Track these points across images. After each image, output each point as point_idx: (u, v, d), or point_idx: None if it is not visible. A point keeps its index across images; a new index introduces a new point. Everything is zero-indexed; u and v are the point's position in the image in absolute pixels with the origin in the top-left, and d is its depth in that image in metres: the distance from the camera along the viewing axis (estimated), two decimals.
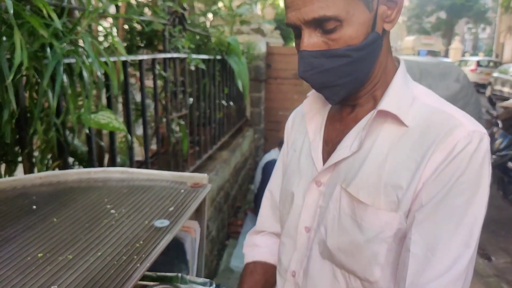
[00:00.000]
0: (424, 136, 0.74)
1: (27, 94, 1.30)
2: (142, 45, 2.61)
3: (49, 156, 1.58)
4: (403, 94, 0.80)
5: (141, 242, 0.78)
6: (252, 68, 5.41)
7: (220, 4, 4.90)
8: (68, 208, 0.92)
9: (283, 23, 6.33)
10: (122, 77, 1.87)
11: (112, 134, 1.86)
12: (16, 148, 1.35)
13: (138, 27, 2.54)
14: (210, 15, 4.48)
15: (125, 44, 2.16)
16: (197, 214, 1.13)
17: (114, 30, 2.30)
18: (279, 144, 4.18)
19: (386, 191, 0.75)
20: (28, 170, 1.35)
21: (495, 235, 4.22)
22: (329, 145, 0.88)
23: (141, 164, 2.42)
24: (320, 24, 0.73)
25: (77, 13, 1.55)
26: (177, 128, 2.72)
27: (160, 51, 2.57)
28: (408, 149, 0.75)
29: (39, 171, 1.40)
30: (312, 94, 0.95)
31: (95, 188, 1.04)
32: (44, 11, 1.13)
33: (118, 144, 2.63)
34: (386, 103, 0.78)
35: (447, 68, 5.34)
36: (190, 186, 1.08)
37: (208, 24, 4.01)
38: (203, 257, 1.15)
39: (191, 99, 3.07)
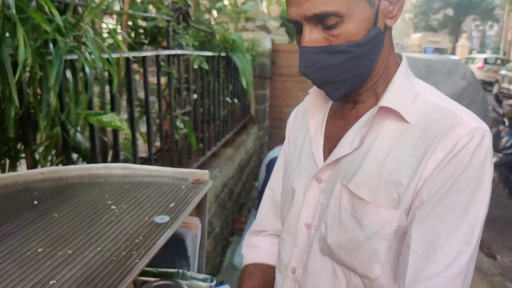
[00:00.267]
0: (426, 133, 0.74)
1: (30, 90, 1.31)
2: (146, 41, 2.61)
3: (53, 152, 1.59)
4: (405, 91, 0.79)
5: (141, 237, 0.79)
6: (257, 65, 5.40)
7: (225, 1, 4.89)
8: (69, 203, 0.92)
9: None
10: (123, 73, 1.88)
11: (115, 131, 1.87)
12: (20, 144, 1.35)
13: (143, 24, 2.55)
14: (214, 12, 4.47)
15: (129, 41, 2.16)
16: (199, 211, 1.13)
17: (118, 27, 2.30)
18: (284, 141, 4.17)
19: (387, 188, 0.75)
20: (31, 165, 1.35)
21: (500, 234, 4.20)
22: (330, 142, 0.87)
23: (145, 161, 2.43)
24: (321, 20, 0.73)
25: (81, 10, 1.56)
26: (181, 125, 2.72)
27: (164, 48, 2.57)
28: (409, 146, 0.75)
29: (42, 167, 1.41)
30: (314, 90, 0.95)
31: (96, 184, 1.04)
32: (46, 8, 1.14)
33: (122, 140, 2.65)
34: (387, 100, 0.78)
35: (454, 65, 5.30)
36: (191, 183, 1.08)
37: (212, 21, 4.00)
38: (204, 253, 1.15)
39: (195, 95, 3.07)
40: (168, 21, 2.44)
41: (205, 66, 2.97)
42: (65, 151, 1.54)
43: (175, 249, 1.07)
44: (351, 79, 0.78)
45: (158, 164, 2.47)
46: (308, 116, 0.94)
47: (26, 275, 0.66)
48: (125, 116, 2.50)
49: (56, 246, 0.75)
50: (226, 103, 4.01)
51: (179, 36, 2.56)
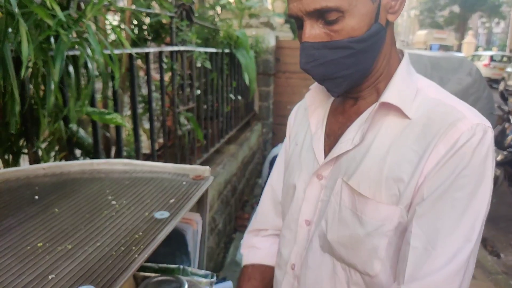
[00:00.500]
0: (427, 129, 0.73)
1: (32, 86, 1.31)
2: (150, 38, 2.61)
3: (56, 148, 1.59)
4: (407, 87, 0.79)
5: (140, 233, 0.79)
6: (261, 62, 5.39)
7: None
8: (70, 198, 0.93)
9: None
10: (123, 69, 1.87)
11: (118, 127, 1.87)
12: (22, 140, 1.36)
13: (146, 20, 2.54)
14: (219, 8, 4.46)
15: (132, 37, 2.16)
16: (200, 207, 1.13)
17: (122, 23, 2.30)
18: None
19: (388, 184, 0.74)
20: (34, 161, 1.36)
21: (504, 232, 4.18)
22: (331, 138, 0.87)
23: (148, 157, 2.43)
24: (322, 15, 0.72)
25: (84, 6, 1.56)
26: (185, 121, 2.72)
27: (167, 44, 2.57)
28: (410, 142, 0.74)
29: (45, 162, 1.41)
30: (315, 86, 0.94)
31: (97, 180, 1.05)
32: (48, 3, 1.14)
33: (125, 137, 2.65)
34: (388, 95, 0.77)
35: (459, 62, 5.26)
36: (192, 179, 1.08)
37: (216, 17, 3.99)
38: (205, 249, 1.15)
39: (198, 91, 3.07)
40: (171, 17, 2.43)
41: (208, 65, 2.96)
42: (68, 147, 1.55)
43: (175, 245, 1.07)
44: (352, 75, 0.77)
45: (161, 161, 2.48)
46: (309, 112, 0.93)
47: (25, 270, 0.66)
48: (128, 112, 2.50)
49: (56, 241, 0.75)
50: (229, 99, 4.01)
51: (182, 33, 2.56)
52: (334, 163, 0.83)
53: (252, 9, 4.83)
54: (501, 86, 14.96)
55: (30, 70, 1.28)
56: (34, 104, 1.33)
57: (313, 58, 0.75)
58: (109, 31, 2.09)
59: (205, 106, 3.35)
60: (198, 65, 2.97)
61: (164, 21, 2.53)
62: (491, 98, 5.22)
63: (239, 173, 4.11)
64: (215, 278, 1.02)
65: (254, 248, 1.05)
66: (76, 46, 1.32)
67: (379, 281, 0.77)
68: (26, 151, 1.37)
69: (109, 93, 1.88)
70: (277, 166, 1.06)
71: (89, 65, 1.31)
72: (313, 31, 0.74)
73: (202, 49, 2.98)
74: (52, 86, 1.15)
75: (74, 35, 1.37)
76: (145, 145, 2.87)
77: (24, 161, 1.44)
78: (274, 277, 0.98)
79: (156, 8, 2.57)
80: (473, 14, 31.75)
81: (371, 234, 0.75)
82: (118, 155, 1.91)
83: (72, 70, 1.36)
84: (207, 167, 1.10)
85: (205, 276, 1.01)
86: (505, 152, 4.20)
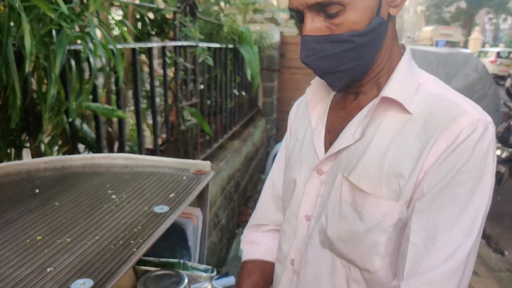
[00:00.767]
0: (428, 124, 0.73)
1: (34, 80, 1.31)
2: (153, 33, 2.61)
3: (59, 142, 1.60)
4: (408, 81, 0.78)
5: (139, 227, 0.79)
6: (265, 57, 5.38)
7: None
8: (70, 192, 0.93)
9: None
10: (124, 65, 1.87)
11: (121, 122, 1.88)
12: (24, 134, 1.36)
13: (150, 15, 2.54)
14: (222, 3, 4.44)
15: (134, 32, 2.16)
16: (200, 201, 1.13)
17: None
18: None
19: (388, 179, 0.74)
20: (36, 155, 1.36)
21: (509, 229, 4.15)
22: (332, 133, 0.86)
23: (151, 152, 2.43)
24: (323, 8, 0.71)
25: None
26: (188, 117, 2.72)
27: (171, 39, 2.57)
28: (411, 137, 0.74)
29: (47, 156, 1.42)
30: (316, 81, 0.93)
31: (98, 174, 1.05)
32: None
33: (129, 132, 2.66)
34: (389, 90, 0.76)
35: (465, 58, 5.22)
36: (193, 173, 1.08)
37: (220, 12, 3.98)
38: (205, 244, 1.15)
39: (201, 86, 3.06)
40: (174, 12, 2.43)
41: (210, 62, 2.95)
42: (71, 142, 1.55)
43: (176, 240, 1.07)
44: (353, 69, 0.76)
45: (164, 156, 2.48)
46: (309, 107, 0.92)
47: (24, 262, 0.66)
48: (132, 107, 2.50)
49: (55, 234, 0.75)
50: (233, 95, 4.01)
51: (186, 28, 2.55)
52: (334, 158, 0.83)
53: (256, 5, 4.82)
54: (507, 83, 14.83)
55: (32, 64, 1.29)
56: (37, 99, 1.33)
57: (314, 52, 0.75)
58: (112, 26, 2.09)
59: (208, 102, 3.34)
60: (200, 61, 2.97)
61: (167, 16, 2.53)
62: (497, 95, 5.17)
63: (243, 168, 4.11)
64: (215, 272, 1.02)
65: (254, 244, 1.05)
66: (79, 41, 1.32)
67: (379, 277, 0.76)
68: (28, 145, 1.38)
69: (112, 87, 1.88)
70: (277, 161, 1.05)
71: (91, 59, 1.31)
72: (314, 24, 0.73)
73: (205, 45, 2.97)
74: (53, 78, 1.15)
75: (77, 29, 1.37)
76: (149, 141, 2.87)
77: (27, 155, 1.44)
78: (274, 272, 0.97)
79: (159, 3, 2.56)
80: (480, 10, 31.47)
81: (371, 230, 0.75)
82: (121, 150, 1.91)
83: (74, 64, 1.36)
84: (208, 162, 1.10)
85: (205, 271, 1.01)
86: (510, 149, 4.17)
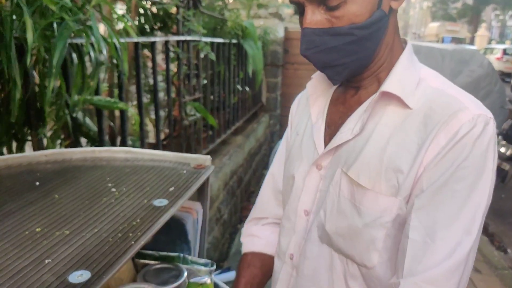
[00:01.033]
0: (428, 119, 0.72)
1: (36, 73, 1.31)
2: (156, 27, 2.60)
3: (62, 136, 1.60)
4: (408, 76, 0.77)
5: (138, 220, 0.79)
6: (269, 53, 5.36)
7: None
8: (70, 185, 0.93)
9: None
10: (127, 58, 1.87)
11: (123, 115, 1.88)
12: (26, 127, 1.36)
13: (153, 9, 2.54)
14: None
15: (135, 26, 2.15)
16: (201, 196, 1.13)
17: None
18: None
19: (387, 175, 0.73)
20: (38, 148, 1.37)
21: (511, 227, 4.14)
22: (332, 128, 0.86)
23: (153, 147, 2.44)
24: (323, 1, 0.71)
25: None
26: (191, 111, 2.72)
27: (174, 34, 2.56)
28: (411, 132, 0.73)
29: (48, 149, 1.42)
30: (317, 76, 0.93)
31: (98, 167, 1.05)
32: None
33: (131, 126, 2.66)
34: (389, 85, 0.76)
35: (471, 55, 5.18)
36: (193, 168, 1.07)
37: (224, 7, 3.96)
38: (205, 238, 1.15)
39: (204, 81, 3.06)
40: (177, 7, 2.42)
41: (212, 57, 2.95)
42: (74, 136, 1.55)
43: (176, 234, 1.07)
44: (354, 63, 0.76)
45: (166, 150, 2.48)
46: (310, 102, 0.92)
47: (22, 254, 0.67)
48: (135, 102, 2.50)
49: (54, 226, 0.75)
50: (236, 90, 4.00)
51: (189, 23, 2.55)
52: (333, 153, 0.82)
53: (260, 0, 4.80)
54: None
55: (34, 57, 1.29)
56: (38, 92, 1.33)
57: (314, 45, 0.74)
58: (115, 21, 2.08)
59: (211, 97, 3.34)
60: (202, 56, 2.96)
61: (170, 10, 2.52)
62: (503, 92, 5.13)
63: (246, 164, 4.11)
64: (215, 267, 1.02)
65: (254, 237, 1.05)
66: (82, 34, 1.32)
67: (376, 273, 0.76)
68: (30, 138, 1.38)
69: (115, 81, 1.88)
70: (278, 156, 1.05)
71: (91, 53, 1.31)
72: (314, 17, 0.72)
73: (209, 39, 2.97)
74: (53, 71, 1.15)
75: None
76: (152, 135, 2.88)
77: (30, 149, 1.45)
78: (274, 267, 0.97)
79: None
80: (486, 7, 31.19)
81: (369, 225, 0.75)
82: (123, 144, 1.91)
83: (76, 58, 1.36)
84: (208, 156, 1.10)
85: (204, 265, 1.01)
86: None
